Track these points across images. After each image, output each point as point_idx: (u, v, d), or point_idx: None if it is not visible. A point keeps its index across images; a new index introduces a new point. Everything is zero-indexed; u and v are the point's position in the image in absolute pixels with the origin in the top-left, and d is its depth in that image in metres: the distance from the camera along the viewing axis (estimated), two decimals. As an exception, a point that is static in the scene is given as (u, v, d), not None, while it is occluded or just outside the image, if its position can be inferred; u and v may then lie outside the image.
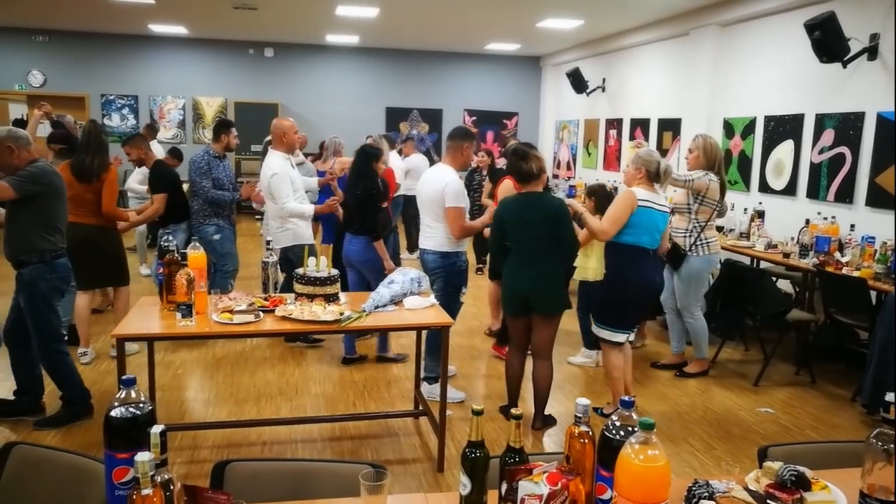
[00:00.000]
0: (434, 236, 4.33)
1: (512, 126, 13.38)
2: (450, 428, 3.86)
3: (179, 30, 11.10)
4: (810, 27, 5.82)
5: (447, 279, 4.29)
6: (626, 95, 10.19)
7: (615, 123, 10.41)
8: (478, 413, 1.51)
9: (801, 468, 1.65)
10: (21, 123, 12.69)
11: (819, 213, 5.83)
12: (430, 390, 4.33)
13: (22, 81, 11.61)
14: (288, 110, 12.17)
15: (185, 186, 7.25)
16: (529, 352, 4.10)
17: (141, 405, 1.46)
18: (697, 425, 4.24)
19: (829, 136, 6.19)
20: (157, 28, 10.98)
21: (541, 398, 4.07)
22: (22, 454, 1.76)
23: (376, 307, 3.48)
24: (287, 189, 4.81)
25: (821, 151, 6.29)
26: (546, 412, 4.19)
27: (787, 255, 5.47)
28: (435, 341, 4.27)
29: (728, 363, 5.42)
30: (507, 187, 4.86)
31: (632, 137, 9.88)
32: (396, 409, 4.33)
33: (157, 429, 1.37)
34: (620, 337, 4.08)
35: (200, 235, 5.44)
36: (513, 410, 1.52)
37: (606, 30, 9.82)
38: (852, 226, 5.46)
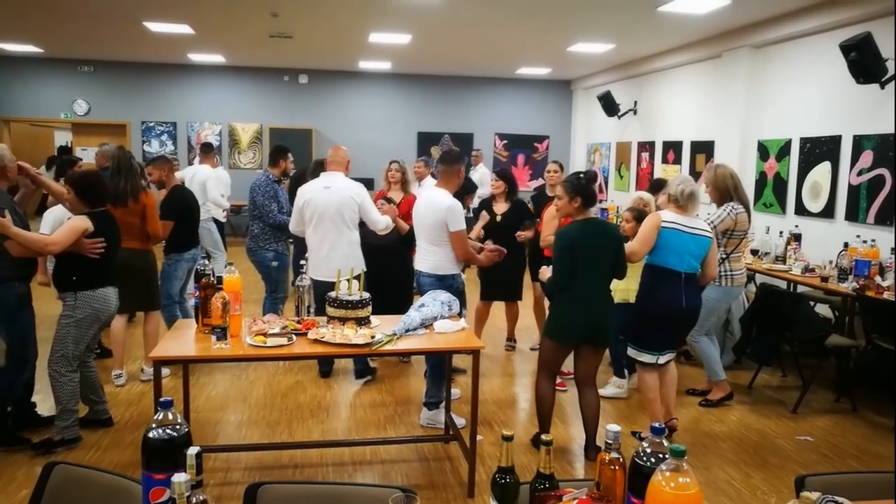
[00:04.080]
0: (429, 259, 4.33)
1: (543, 149, 13.40)
2: (480, 453, 3.84)
3: (217, 58, 11.42)
4: (846, 48, 5.75)
5: None
6: (659, 118, 10.15)
7: (647, 146, 10.36)
8: (508, 439, 1.51)
9: (841, 499, 1.62)
10: (66, 150, 13.17)
11: (858, 236, 5.70)
12: (430, 417, 4.33)
13: (67, 110, 12.03)
14: (322, 136, 12.38)
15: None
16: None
17: (177, 427, 1.50)
18: (734, 453, 4.15)
19: (867, 158, 6.08)
20: (196, 57, 11.30)
21: (593, 426, 3.95)
22: (63, 474, 1.80)
23: (407, 330, 3.49)
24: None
25: (859, 173, 6.17)
26: (576, 439, 4.15)
27: (825, 279, 5.35)
28: (437, 366, 4.24)
29: (765, 389, 5.30)
30: (553, 212, 4.82)
31: (664, 160, 9.83)
32: (427, 433, 4.32)
33: (193, 450, 1.40)
34: (646, 357, 4.09)
35: (258, 260, 5.52)
36: (543, 436, 1.51)
37: (638, 53, 9.83)
38: (893, 249, 5.33)
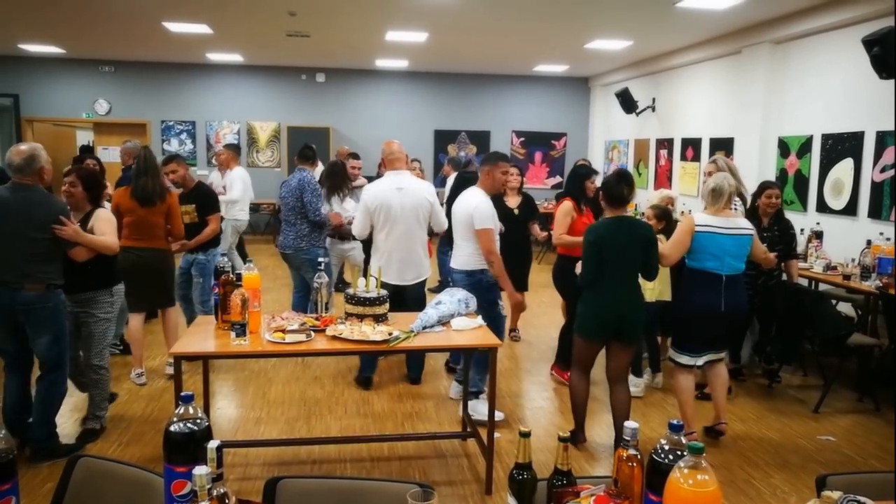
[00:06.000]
0: (460, 255, 4.41)
1: (561, 147, 13.34)
2: (498, 450, 3.84)
3: (235, 57, 11.50)
4: (869, 43, 5.68)
5: (477, 296, 4.17)
6: (677, 115, 10.07)
7: (666, 143, 10.28)
8: (525, 435, 1.51)
9: (863, 498, 1.60)
10: (88, 150, 13.35)
11: (881, 234, 5.62)
12: (473, 406, 4.33)
13: (89, 110, 12.19)
14: (339, 134, 12.43)
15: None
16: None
17: (198, 421, 1.51)
18: (753, 453, 4.11)
19: (891, 154, 5.99)
20: (215, 56, 11.40)
21: (622, 423, 3.95)
22: (87, 466, 1.84)
23: (424, 328, 3.51)
24: None
25: (882, 170, 6.09)
26: (593, 436, 4.15)
27: (847, 278, 5.29)
28: (482, 355, 4.25)
29: (786, 389, 5.24)
30: (566, 208, 4.88)
31: (683, 157, 9.75)
32: (445, 430, 4.33)
33: (213, 444, 1.42)
34: (684, 359, 4.07)
35: (308, 258, 5.38)
36: (560, 433, 1.51)
37: (656, 49, 9.75)
38: (917, 246, 5.25)
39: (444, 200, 5.94)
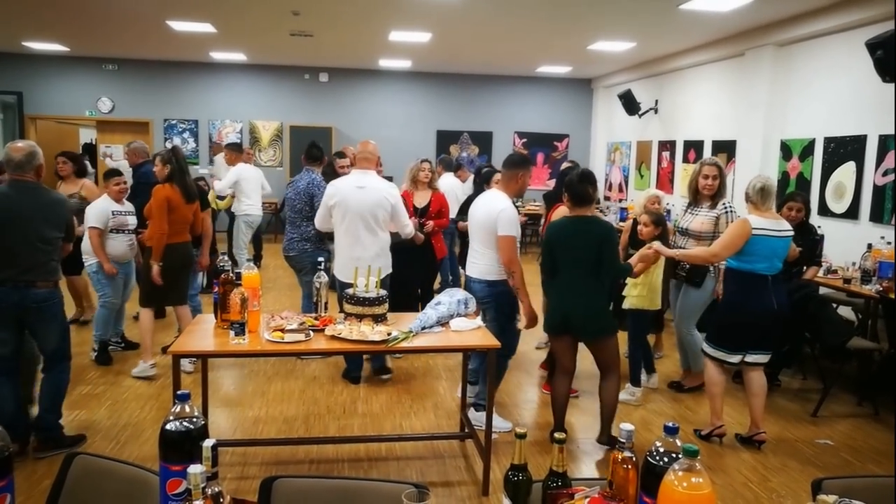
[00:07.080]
0: (481, 263, 4.17)
1: (563, 148, 13.34)
2: (495, 451, 3.84)
3: (239, 56, 11.51)
4: (872, 46, 5.67)
5: (497, 308, 4.13)
6: (680, 117, 10.06)
7: (668, 145, 10.28)
8: (521, 436, 1.51)
9: (857, 503, 1.59)
10: (90, 148, 13.38)
11: (882, 238, 5.61)
12: (478, 417, 4.22)
13: (92, 108, 12.21)
14: (342, 133, 12.44)
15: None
16: None
17: (194, 419, 1.52)
18: (751, 456, 4.10)
19: (892, 158, 5.98)
20: (218, 55, 11.41)
21: (607, 412, 4.02)
22: (83, 464, 1.84)
23: (423, 328, 3.51)
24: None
25: (885, 174, 6.08)
26: (588, 438, 4.17)
27: (847, 281, 5.29)
28: (484, 367, 4.23)
29: (785, 392, 5.24)
30: (561, 213, 4.83)
31: (685, 159, 9.74)
32: (443, 430, 4.33)
33: (208, 443, 1.42)
34: (734, 358, 4.09)
35: (312, 261, 5.12)
36: (556, 434, 1.51)
37: (659, 51, 9.75)
38: (918, 251, 5.24)
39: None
